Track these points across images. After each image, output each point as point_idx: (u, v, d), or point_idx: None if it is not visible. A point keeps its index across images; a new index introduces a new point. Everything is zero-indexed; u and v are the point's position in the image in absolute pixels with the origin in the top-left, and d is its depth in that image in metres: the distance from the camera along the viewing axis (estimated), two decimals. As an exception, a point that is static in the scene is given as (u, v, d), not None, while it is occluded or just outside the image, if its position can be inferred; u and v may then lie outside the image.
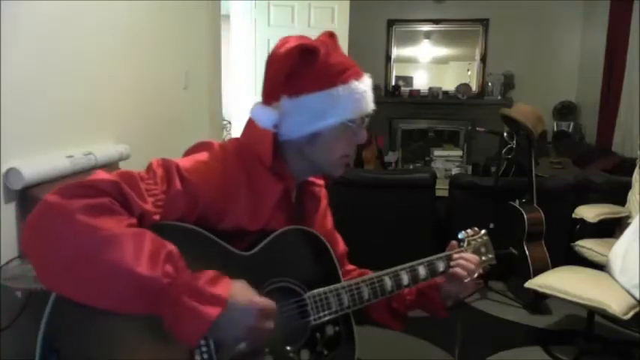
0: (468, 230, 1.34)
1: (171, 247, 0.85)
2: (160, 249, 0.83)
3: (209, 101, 3.44)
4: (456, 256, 1.22)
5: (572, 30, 5.99)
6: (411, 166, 5.95)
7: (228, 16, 4.61)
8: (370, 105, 1.08)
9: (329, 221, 1.28)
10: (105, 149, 2.10)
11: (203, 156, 1.02)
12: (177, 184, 0.93)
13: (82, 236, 0.80)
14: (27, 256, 0.82)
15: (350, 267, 1.32)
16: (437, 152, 5.98)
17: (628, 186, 3.11)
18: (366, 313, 1.26)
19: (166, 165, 0.95)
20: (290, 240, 1.06)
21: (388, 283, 1.13)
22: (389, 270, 1.16)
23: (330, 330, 1.06)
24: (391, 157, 6.00)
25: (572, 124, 5.85)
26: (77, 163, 1.86)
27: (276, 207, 1.07)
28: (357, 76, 1.06)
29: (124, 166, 2.21)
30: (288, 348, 1.01)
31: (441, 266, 1.21)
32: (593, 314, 2.54)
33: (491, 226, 3.33)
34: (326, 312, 1.04)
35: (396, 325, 1.30)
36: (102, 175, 0.87)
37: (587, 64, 5.74)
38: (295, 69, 1.02)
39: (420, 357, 2.50)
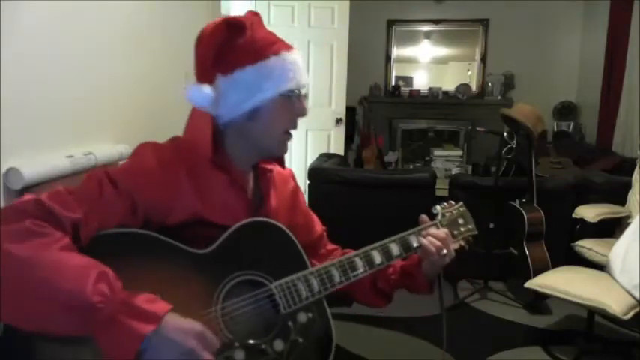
0: (444, 203, 1.31)
1: (105, 267, 0.84)
2: (91, 268, 0.82)
3: (209, 101, 3.44)
4: (424, 233, 1.19)
5: (572, 30, 5.99)
6: (411, 166, 5.95)
7: (228, 16, 4.61)
8: (304, 76, 1.08)
9: (301, 203, 1.27)
10: (105, 149, 2.10)
11: (136, 157, 1.02)
12: (109, 189, 0.94)
13: (7, 264, 0.79)
14: None
15: (331, 246, 1.31)
16: (437, 152, 5.98)
17: (628, 186, 3.11)
18: (349, 294, 1.24)
19: (97, 174, 0.96)
20: (249, 233, 1.04)
21: (359, 263, 1.11)
22: (360, 250, 1.14)
23: (302, 317, 1.04)
24: (391, 157, 6.00)
25: (572, 124, 5.85)
26: (77, 163, 1.86)
27: (230, 198, 1.07)
28: (287, 49, 1.07)
29: (124, 166, 2.21)
30: (259, 340, 0.99)
31: (414, 241, 1.18)
32: (593, 314, 2.53)
33: (492, 226, 3.34)
34: (296, 299, 1.03)
35: (380, 302, 1.29)
36: (26, 197, 0.88)
37: (587, 64, 5.74)
38: (224, 45, 1.02)
39: (420, 357, 2.50)
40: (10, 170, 1.60)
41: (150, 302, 0.85)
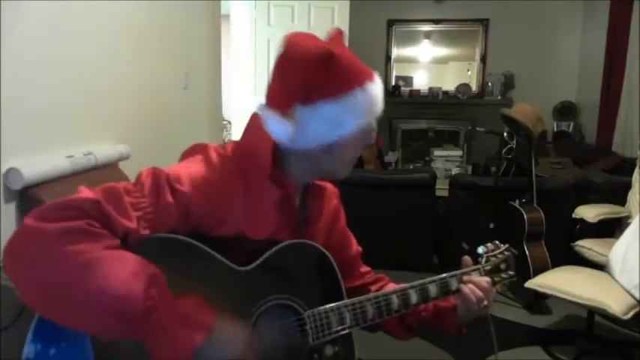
0: (488, 244, 1.24)
1: (156, 270, 0.82)
2: (143, 271, 0.80)
3: (209, 101, 3.44)
4: (465, 278, 1.15)
5: (572, 30, 5.99)
6: (411, 166, 5.95)
7: (228, 16, 4.61)
8: (382, 105, 1.04)
9: (341, 222, 1.23)
10: (105, 149, 2.10)
11: (197, 163, 0.98)
12: (168, 196, 0.89)
13: (59, 262, 0.77)
14: (9, 279, 0.79)
15: (364, 269, 1.28)
16: (437, 152, 5.98)
17: (628, 186, 3.11)
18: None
19: (156, 175, 0.91)
20: (291, 254, 1.01)
21: (395, 302, 1.08)
22: (397, 288, 1.11)
23: (329, 350, 1.02)
24: (391, 157, 6.00)
25: (572, 124, 5.85)
26: (77, 163, 1.86)
27: (278, 214, 1.03)
28: (371, 78, 1.01)
29: (123, 166, 2.21)
30: None
31: (453, 285, 1.14)
32: (593, 314, 2.54)
33: (492, 226, 3.34)
34: (326, 332, 1.00)
35: (404, 335, 1.26)
36: (84, 192, 0.84)
37: (587, 64, 5.74)
38: (311, 76, 0.96)
39: (420, 357, 2.50)
40: (10, 170, 1.60)
41: (198, 309, 0.84)
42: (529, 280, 2.57)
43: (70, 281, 0.77)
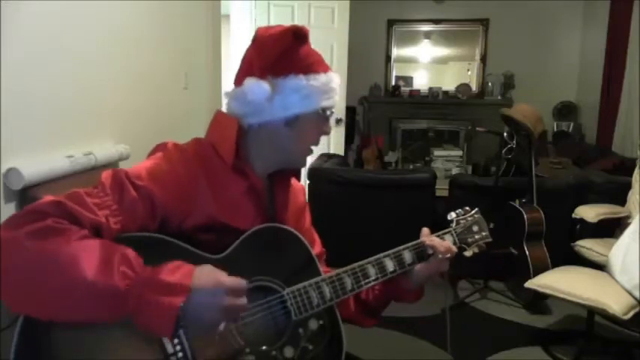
0: (459, 210, 1.31)
1: (125, 249, 0.86)
2: (113, 254, 0.84)
3: (209, 101, 3.44)
4: (428, 240, 1.20)
5: (572, 30, 5.99)
6: (411, 166, 5.95)
7: (228, 16, 4.61)
8: (338, 96, 1.12)
9: (307, 220, 1.27)
10: (105, 149, 2.10)
11: (156, 159, 1.02)
12: (131, 191, 0.93)
13: (33, 260, 0.81)
14: None
15: (326, 269, 1.27)
16: (437, 152, 5.97)
17: (628, 186, 3.11)
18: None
19: (116, 175, 0.95)
20: (263, 238, 1.05)
21: (371, 270, 1.12)
22: (372, 258, 1.14)
23: (313, 324, 1.05)
24: (391, 157, 6.00)
25: (572, 124, 5.85)
26: (77, 163, 1.86)
27: (245, 204, 1.07)
28: (330, 69, 1.12)
29: (123, 166, 2.20)
30: (270, 347, 1.00)
31: (428, 249, 1.19)
32: (593, 314, 2.53)
33: (491, 226, 3.33)
34: (307, 306, 1.04)
35: (367, 321, 1.28)
36: (46, 198, 0.88)
37: (587, 64, 5.74)
38: (287, 50, 1.05)
39: (420, 357, 2.50)
40: (10, 170, 1.60)
41: (174, 272, 0.86)
42: (529, 280, 2.57)
43: (45, 276, 0.81)
